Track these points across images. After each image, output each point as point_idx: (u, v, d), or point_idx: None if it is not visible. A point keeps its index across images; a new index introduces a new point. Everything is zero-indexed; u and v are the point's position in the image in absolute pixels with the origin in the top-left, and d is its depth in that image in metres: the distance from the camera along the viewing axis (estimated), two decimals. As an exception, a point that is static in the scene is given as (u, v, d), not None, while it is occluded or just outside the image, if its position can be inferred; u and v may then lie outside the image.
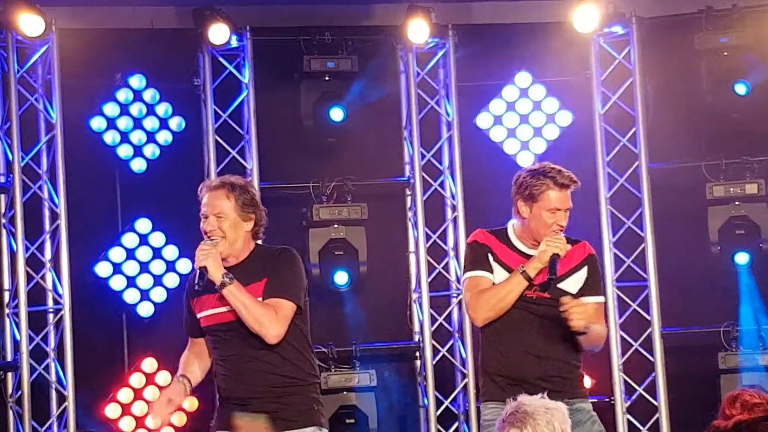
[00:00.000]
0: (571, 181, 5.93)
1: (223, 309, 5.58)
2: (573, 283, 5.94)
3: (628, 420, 9.52)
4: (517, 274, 5.84)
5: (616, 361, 9.51)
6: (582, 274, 5.95)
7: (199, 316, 5.69)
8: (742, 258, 9.60)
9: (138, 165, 9.56)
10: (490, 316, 5.87)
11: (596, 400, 8.65)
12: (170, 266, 9.55)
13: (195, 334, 5.77)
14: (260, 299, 5.55)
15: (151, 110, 9.60)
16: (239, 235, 5.64)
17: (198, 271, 5.53)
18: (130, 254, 9.50)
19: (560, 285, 5.91)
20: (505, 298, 5.86)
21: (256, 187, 9.25)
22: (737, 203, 9.68)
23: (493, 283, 5.94)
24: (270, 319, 5.50)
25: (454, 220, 9.59)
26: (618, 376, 9.52)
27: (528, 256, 5.90)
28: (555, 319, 5.87)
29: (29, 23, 8.89)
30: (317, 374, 5.77)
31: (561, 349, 5.96)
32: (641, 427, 9.49)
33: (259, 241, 5.81)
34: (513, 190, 6.05)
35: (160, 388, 9.39)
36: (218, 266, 5.50)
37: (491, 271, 5.92)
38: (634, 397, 9.53)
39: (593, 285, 6.02)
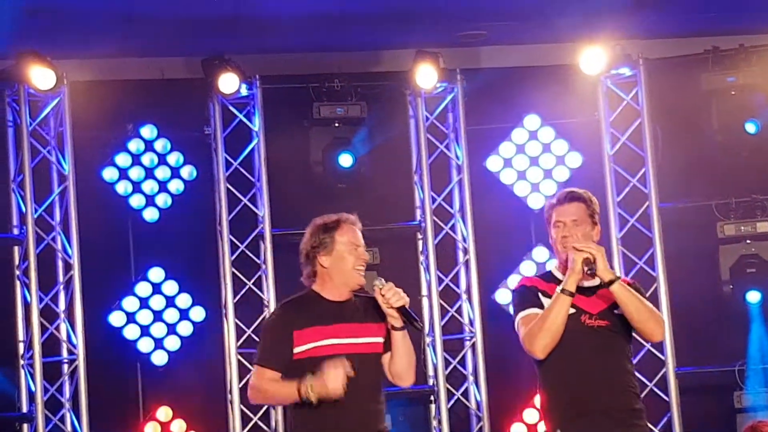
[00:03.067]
0: (569, 196, 5.97)
1: (362, 339, 5.62)
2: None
3: (644, 461, 9.44)
4: (557, 293, 5.80)
5: None
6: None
7: (308, 347, 5.56)
8: (753, 296, 9.59)
9: (150, 214, 9.58)
10: (546, 342, 5.78)
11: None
12: (183, 314, 9.56)
13: (279, 368, 5.59)
14: (381, 338, 5.62)
15: (162, 160, 9.64)
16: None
17: (403, 310, 5.56)
18: (144, 303, 9.50)
19: (616, 311, 5.88)
20: (555, 320, 5.79)
21: (268, 233, 9.44)
22: (748, 242, 9.68)
23: None
24: (414, 363, 5.76)
25: (466, 263, 9.58)
26: None
27: (579, 290, 5.87)
28: (618, 347, 5.89)
29: (41, 77, 8.98)
30: None
31: (627, 378, 5.93)
32: (656, 462, 9.37)
33: None
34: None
35: None
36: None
37: (542, 306, 5.90)
38: None
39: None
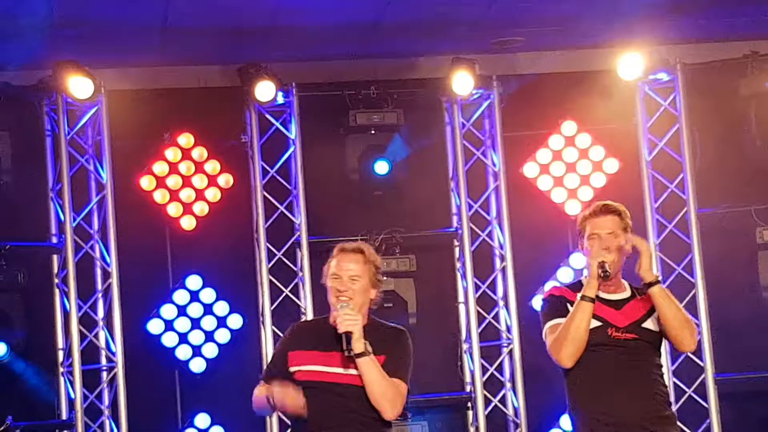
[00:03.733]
0: (604, 209, 6.03)
1: (339, 370, 5.61)
2: (653, 323, 5.96)
3: (686, 469, 9.41)
4: (577, 300, 5.86)
5: None
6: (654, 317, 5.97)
7: (295, 369, 5.68)
8: None
9: (188, 222, 9.62)
10: (571, 350, 5.86)
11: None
12: (221, 322, 9.60)
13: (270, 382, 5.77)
14: None
15: (199, 168, 9.67)
16: (364, 302, 5.68)
17: (344, 336, 5.52)
18: (182, 311, 9.54)
19: (643, 325, 5.94)
20: (578, 328, 5.85)
21: (304, 240, 9.46)
22: None
23: None
24: (396, 397, 5.58)
25: (503, 270, 9.58)
26: None
27: (606, 301, 5.95)
28: (646, 359, 5.96)
29: (79, 86, 9.02)
30: None
31: (655, 388, 5.98)
32: (697, 475, 9.36)
33: None
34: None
35: None
36: (361, 334, 5.53)
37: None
38: None
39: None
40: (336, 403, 5.58)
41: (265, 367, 5.94)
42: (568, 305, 5.96)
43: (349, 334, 5.50)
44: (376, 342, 5.61)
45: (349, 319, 5.54)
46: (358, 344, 5.50)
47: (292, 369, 5.66)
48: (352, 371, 5.59)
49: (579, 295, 5.87)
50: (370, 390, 5.54)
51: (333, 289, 5.68)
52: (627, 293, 6.07)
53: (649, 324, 6.01)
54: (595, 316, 5.91)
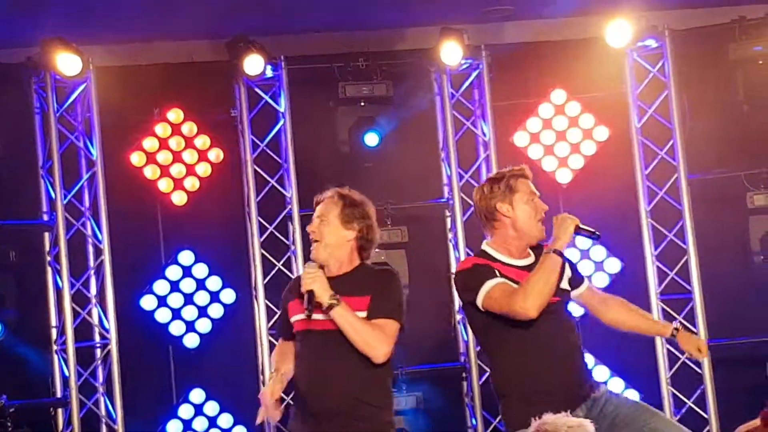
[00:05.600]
0: (524, 169, 6.01)
1: (323, 317, 5.62)
2: (565, 281, 5.90)
3: (678, 434, 9.45)
4: (549, 256, 5.72)
5: (664, 374, 9.52)
6: (567, 272, 5.91)
7: (292, 319, 5.74)
8: None
9: (179, 198, 9.63)
10: (542, 301, 5.67)
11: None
12: (214, 297, 9.63)
13: (286, 336, 5.85)
14: (363, 314, 5.57)
15: (189, 143, 9.68)
16: (340, 244, 5.68)
17: (306, 295, 5.57)
18: (174, 286, 9.57)
19: (561, 285, 5.83)
20: (549, 281, 5.70)
21: (296, 214, 9.42)
22: None
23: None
24: (378, 339, 5.54)
25: None
26: (666, 390, 9.53)
27: (521, 267, 5.83)
28: (567, 316, 5.91)
29: (67, 63, 8.98)
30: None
31: (580, 346, 5.92)
32: (691, 438, 9.43)
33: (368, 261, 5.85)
34: (483, 205, 5.98)
35: (210, 419, 9.52)
36: (325, 288, 5.55)
37: (504, 279, 5.80)
38: (683, 410, 9.51)
39: (577, 275, 6.05)
40: (327, 350, 5.59)
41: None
42: (495, 271, 5.80)
43: (310, 293, 5.52)
44: (363, 283, 5.62)
45: (309, 277, 5.55)
46: (324, 298, 5.50)
47: (292, 319, 5.71)
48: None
49: (550, 249, 5.74)
50: (350, 338, 5.53)
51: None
52: (532, 257, 5.95)
53: (565, 283, 5.94)
54: (516, 283, 5.78)
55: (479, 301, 5.75)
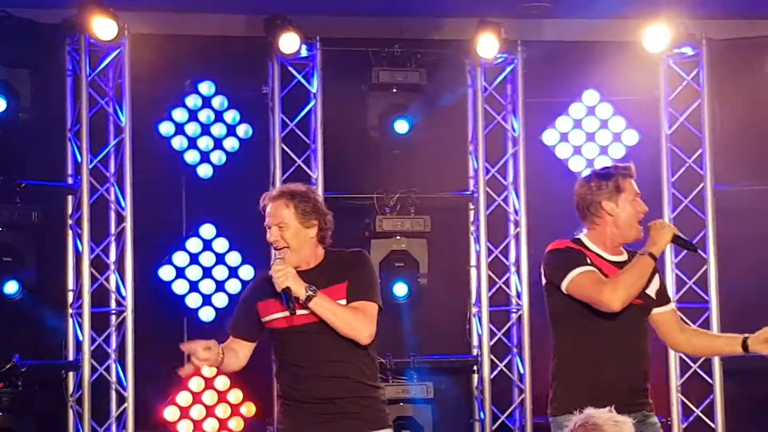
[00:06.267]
0: (632, 169, 6.10)
1: (304, 312, 5.59)
2: (652, 289, 5.96)
3: (686, 441, 9.55)
4: (643, 257, 5.82)
5: (675, 382, 9.55)
6: (656, 281, 5.98)
7: (267, 319, 5.69)
8: None
9: (204, 171, 9.65)
10: (628, 297, 5.77)
11: (654, 422, 8.72)
12: (233, 272, 9.63)
13: (243, 336, 5.85)
14: (344, 301, 5.58)
15: (219, 117, 9.69)
16: (304, 243, 5.64)
17: (283, 294, 5.52)
18: (194, 259, 9.58)
19: (647, 291, 5.92)
20: (639, 280, 5.81)
21: (320, 195, 9.42)
22: None
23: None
24: (361, 321, 5.55)
25: (517, 236, 9.62)
26: (676, 398, 9.56)
27: (613, 263, 5.91)
28: (644, 325, 5.97)
29: (102, 27, 8.97)
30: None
31: (648, 357, 5.98)
32: (698, 449, 9.44)
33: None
34: (587, 199, 6.04)
35: (220, 394, 9.56)
36: (299, 282, 5.51)
37: (594, 268, 5.87)
38: (691, 418, 9.54)
39: (666, 292, 6.10)
40: (310, 342, 5.58)
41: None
42: (587, 258, 5.89)
43: (287, 291, 5.48)
44: (336, 270, 5.61)
45: (281, 274, 5.51)
46: (300, 291, 5.47)
47: (266, 319, 5.67)
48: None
49: (645, 251, 5.83)
50: (333, 325, 5.52)
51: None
52: (625, 255, 6.01)
53: (651, 290, 5.97)
54: (606, 276, 5.84)
55: (564, 285, 5.83)
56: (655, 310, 6.05)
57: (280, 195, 5.74)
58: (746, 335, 6.25)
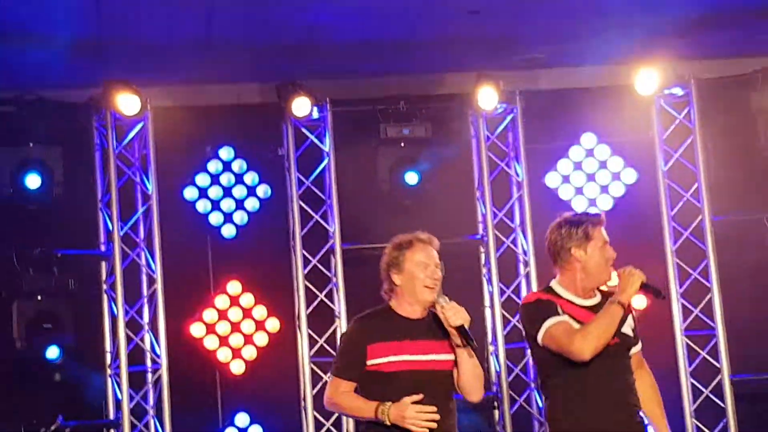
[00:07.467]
0: (602, 217, 5.98)
1: (431, 357, 5.57)
2: (628, 327, 5.86)
3: (702, 465, 9.42)
4: (612, 306, 5.70)
5: (688, 407, 9.48)
6: (630, 321, 5.88)
7: (379, 362, 5.58)
8: None
9: (228, 231, 9.72)
10: (599, 345, 5.66)
11: (670, 446, 8.66)
12: (259, 325, 9.67)
13: (353, 378, 5.67)
14: (449, 356, 5.59)
15: (239, 179, 9.77)
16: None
17: (461, 330, 5.49)
18: (222, 315, 9.64)
19: (623, 330, 5.79)
20: (609, 329, 5.67)
21: (338, 248, 9.43)
22: None
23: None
24: (482, 379, 5.63)
25: (527, 275, 9.61)
26: (690, 423, 9.48)
27: (585, 307, 5.83)
28: (626, 362, 5.84)
29: (126, 103, 9.11)
30: None
31: (636, 393, 5.86)
32: (715, 470, 9.37)
33: None
34: (558, 245, 5.94)
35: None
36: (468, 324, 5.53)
37: (566, 317, 5.76)
38: None
39: (637, 333, 5.97)
40: (430, 389, 5.49)
41: (335, 366, 5.74)
42: (557, 308, 5.79)
43: (463, 327, 5.47)
44: (438, 327, 5.58)
45: (461, 311, 5.51)
46: (466, 334, 5.47)
47: (376, 361, 5.55)
48: (440, 356, 5.56)
49: (615, 299, 5.70)
50: (470, 375, 5.54)
51: (421, 279, 5.59)
52: (598, 298, 5.90)
53: (627, 329, 5.85)
54: (578, 322, 5.74)
55: (539, 337, 5.73)
56: (633, 349, 5.89)
57: (434, 242, 5.78)
58: None
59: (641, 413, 5.88)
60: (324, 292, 9.50)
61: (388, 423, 5.47)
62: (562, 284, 5.89)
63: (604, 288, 5.94)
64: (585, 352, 5.64)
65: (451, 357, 5.59)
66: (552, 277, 6.05)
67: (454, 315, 5.49)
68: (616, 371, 5.77)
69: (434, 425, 5.43)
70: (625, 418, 5.76)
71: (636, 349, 5.95)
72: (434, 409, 5.44)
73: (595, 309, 5.79)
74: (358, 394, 5.60)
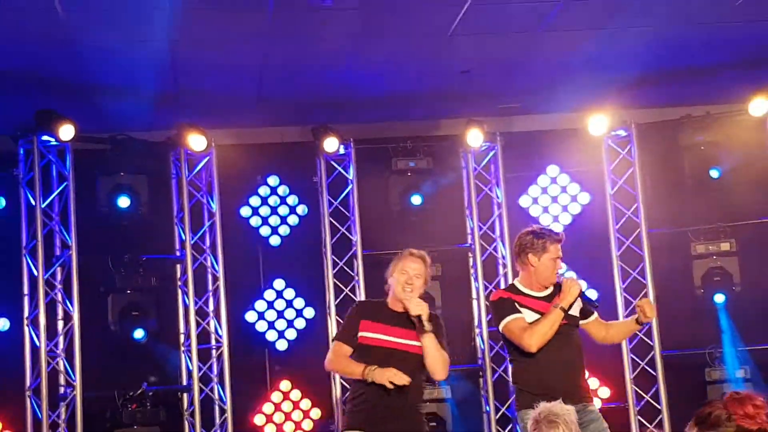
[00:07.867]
0: (561, 237, 6.34)
1: (405, 341, 5.89)
2: (576, 309, 6.32)
3: (639, 420, 9.85)
4: (555, 310, 6.01)
5: (628, 375, 9.91)
6: (578, 303, 6.32)
7: (365, 334, 5.92)
8: (719, 298, 10.02)
9: (274, 240, 10.22)
10: (543, 341, 5.98)
11: (614, 406, 9.47)
12: (299, 313, 10.12)
13: (348, 343, 6.01)
14: (418, 343, 5.97)
15: (283, 201, 10.23)
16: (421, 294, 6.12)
17: (417, 318, 5.82)
18: (270, 305, 10.10)
19: (570, 312, 6.20)
20: (553, 327, 5.99)
21: (359, 254, 9.63)
22: (714, 257, 10.04)
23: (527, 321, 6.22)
24: (445, 363, 5.99)
25: (505, 275, 9.95)
26: (630, 388, 9.89)
27: (539, 298, 6.21)
28: (573, 337, 6.26)
29: (195, 141, 9.51)
30: None
31: (581, 361, 6.27)
32: (649, 425, 9.75)
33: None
34: (521, 248, 6.22)
35: (294, 403, 9.89)
36: (428, 316, 5.87)
37: (521, 314, 6.17)
38: (642, 403, 9.85)
39: (588, 309, 6.41)
40: (398, 365, 5.86)
41: (338, 333, 6.12)
42: (516, 304, 6.14)
43: (420, 316, 5.87)
44: (428, 324, 5.97)
45: (420, 305, 5.90)
46: (428, 324, 5.87)
47: (363, 334, 5.96)
48: (412, 342, 5.93)
49: (555, 305, 6.00)
50: (432, 357, 5.87)
51: (400, 282, 5.97)
52: (550, 290, 6.25)
53: (574, 311, 6.21)
54: (537, 312, 6.07)
55: (500, 328, 6.21)
56: (582, 322, 6.34)
57: (422, 257, 6.06)
58: (635, 315, 6.43)
59: (584, 388, 6.22)
60: (348, 288, 9.77)
61: (368, 381, 5.82)
62: (522, 282, 6.30)
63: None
64: (532, 346, 6.09)
65: (417, 343, 5.93)
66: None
67: (415, 306, 5.89)
68: (564, 343, 6.16)
69: (407, 382, 5.73)
70: (570, 377, 6.14)
71: (592, 318, 6.33)
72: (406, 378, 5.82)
73: (548, 299, 6.22)
74: (351, 359, 6.06)
